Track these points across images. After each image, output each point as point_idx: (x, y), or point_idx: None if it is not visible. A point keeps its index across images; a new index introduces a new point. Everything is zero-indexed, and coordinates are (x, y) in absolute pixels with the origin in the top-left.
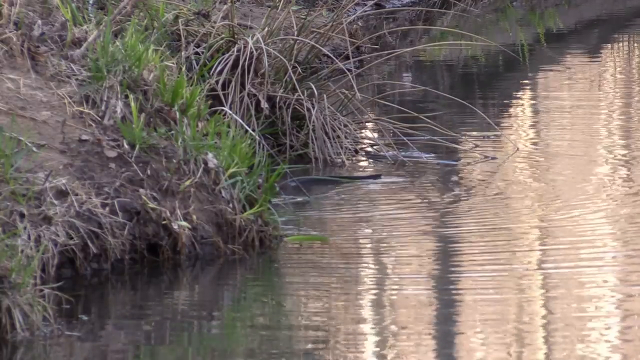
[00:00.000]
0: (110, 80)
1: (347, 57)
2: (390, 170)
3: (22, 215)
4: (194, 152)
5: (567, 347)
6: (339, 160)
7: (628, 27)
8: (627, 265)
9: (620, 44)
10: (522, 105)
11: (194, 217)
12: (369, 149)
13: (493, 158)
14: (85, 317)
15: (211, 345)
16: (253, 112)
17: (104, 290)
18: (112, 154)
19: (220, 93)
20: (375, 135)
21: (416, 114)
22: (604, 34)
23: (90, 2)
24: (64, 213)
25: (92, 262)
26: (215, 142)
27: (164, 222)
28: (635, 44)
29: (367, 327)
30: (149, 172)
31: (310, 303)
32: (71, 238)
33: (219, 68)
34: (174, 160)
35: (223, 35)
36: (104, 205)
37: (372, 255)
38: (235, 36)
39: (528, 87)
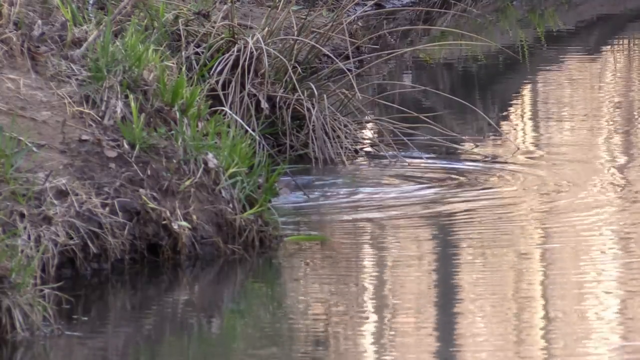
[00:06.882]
0: (110, 80)
1: (347, 57)
2: (389, 171)
3: (22, 215)
4: (194, 152)
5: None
6: (339, 160)
7: (628, 27)
8: (628, 270)
9: (620, 44)
10: (522, 105)
11: (194, 217)
12: (369, 149)
13: (493, 158)
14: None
15: (211, 345)
16: (253, 112)
17: (104, 290)
18: (112, 154)
19: (220, 93)
20: (375, 135)
21: (416, 114)
22: (604, 34)
23: (90, 2)
24: (64, 213)
25: (92, 262)
26: (215, 142)
27: (164, 222)
28: (635, 44)
29: (367, 327)
30: (149, 172)
31: (310, 303)
32: (71, 238)
33: (219, 68)
34: (174, 160)
35: (223, 35)
36: (104, 205)
37: (371, 255)
38: (235, 36)
39: (528, 87)
